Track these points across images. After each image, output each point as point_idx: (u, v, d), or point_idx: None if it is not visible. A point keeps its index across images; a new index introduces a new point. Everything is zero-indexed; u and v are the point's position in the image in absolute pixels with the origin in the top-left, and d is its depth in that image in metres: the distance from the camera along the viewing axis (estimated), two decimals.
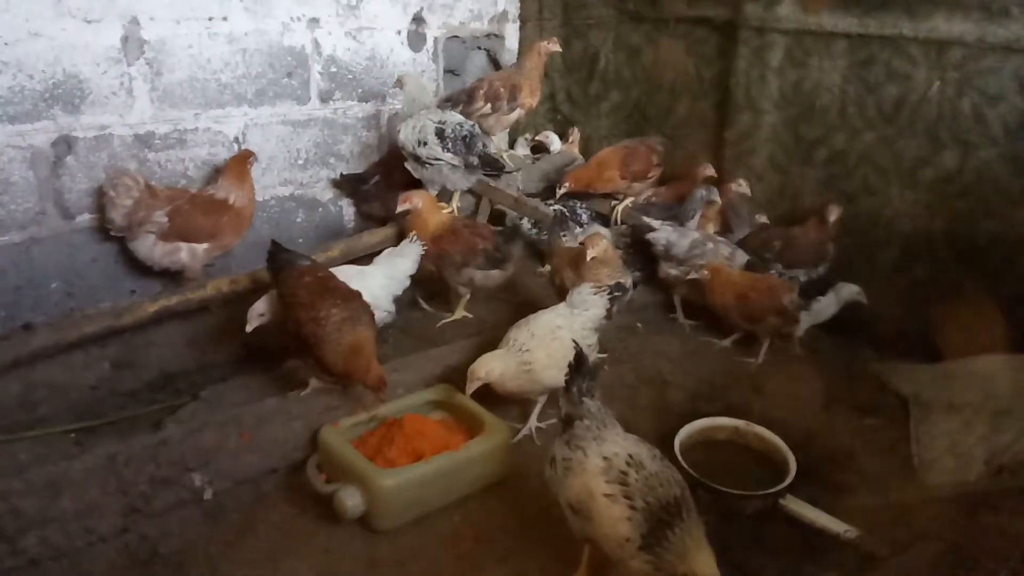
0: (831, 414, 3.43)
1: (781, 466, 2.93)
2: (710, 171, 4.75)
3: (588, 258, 3.44)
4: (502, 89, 4.41)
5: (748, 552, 2.60)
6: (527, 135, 5.48)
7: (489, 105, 4.36)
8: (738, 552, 2.59)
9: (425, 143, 3.99)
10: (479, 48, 5.35)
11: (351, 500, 2.64)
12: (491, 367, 2.98)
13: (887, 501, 2.85)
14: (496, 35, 5.34)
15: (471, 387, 2.97)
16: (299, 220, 4.57)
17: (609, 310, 3.29)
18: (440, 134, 3.98)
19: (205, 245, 3.74)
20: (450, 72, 5.19)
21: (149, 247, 3.67)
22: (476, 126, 4.09)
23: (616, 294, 3.33)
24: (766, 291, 3.76)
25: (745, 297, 3.77)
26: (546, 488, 2.78)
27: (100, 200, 3.65)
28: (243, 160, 3.84)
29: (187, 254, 3.71)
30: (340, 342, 2.94)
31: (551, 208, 4.40)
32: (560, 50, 4.54)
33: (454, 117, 4.06)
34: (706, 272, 3.84)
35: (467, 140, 4.01)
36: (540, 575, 2.54)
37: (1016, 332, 3.46)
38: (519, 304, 4.13)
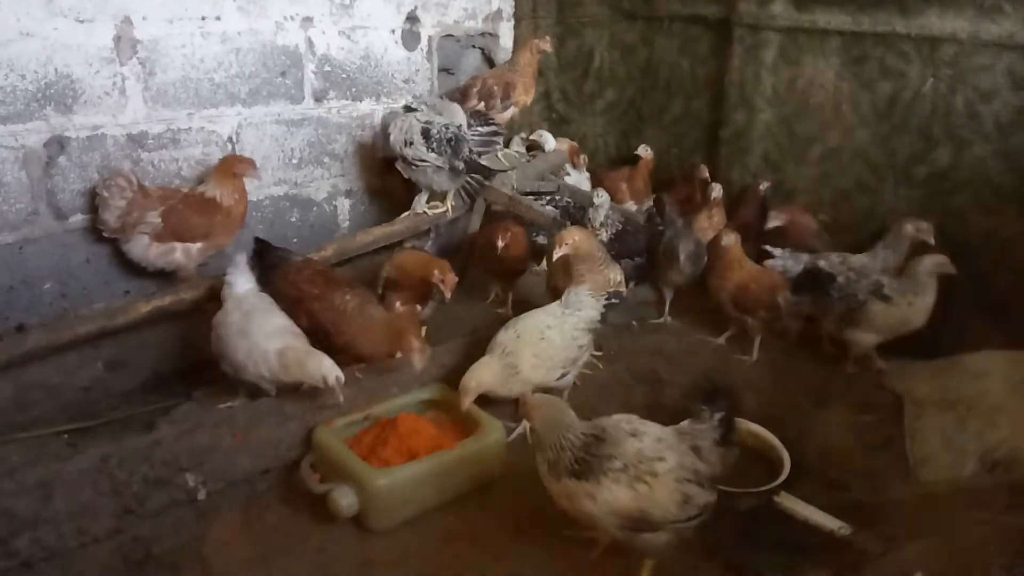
0: (825, 411, 3.43)
1: (775, 463, 2.94)
2: (705, 173, 4.77)
3: (554, 257, 3.40)
4: (495, 87, 4.41)
5: (742, 549, 2.61)
6: (523, 134, 5.47)
7: (483, 103, 4.35)
8: (732, 549, 2.60)
9: (411, 143, 3.97)
10: (474, 47, 5.34)
11: (345, 500, 2.64)
12: (481, 379, 2.99)
13: (881, 498, 2.85)
14: (491, 33, 5.32)
15: (467, 401, 2.97)
16: (293, 220, 4.55)
17: (603, 315, 3.30)
18: (426, 134, 3.94)
19: (199, 244, 3.73)
20: (444, 71, 5.18)
21: (143, 248, 3.65)
22: (463, 128, 4.02)
23: (613, 301, 3.33)
24: (766, 286, 3.77)
25: (745, 287, 3.78)
26: (541, 486, 2.79)
27: (93, 201, 3.64)
28: (230, 164, 3.81)
29: (182, 254, 3.69)
30: (371, 326, 3.09)
31: (550, 208, 4.38)
32: (550, 49, 4.55)
33: (441, 118, 4.02)
34: (734, 237, 3.82)
35: (452, 143, 3.95)
36: (536, 573, 2.54)
37: (1009, 327, 3.47)
38: (513, 303, 4.13)
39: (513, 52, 5.14)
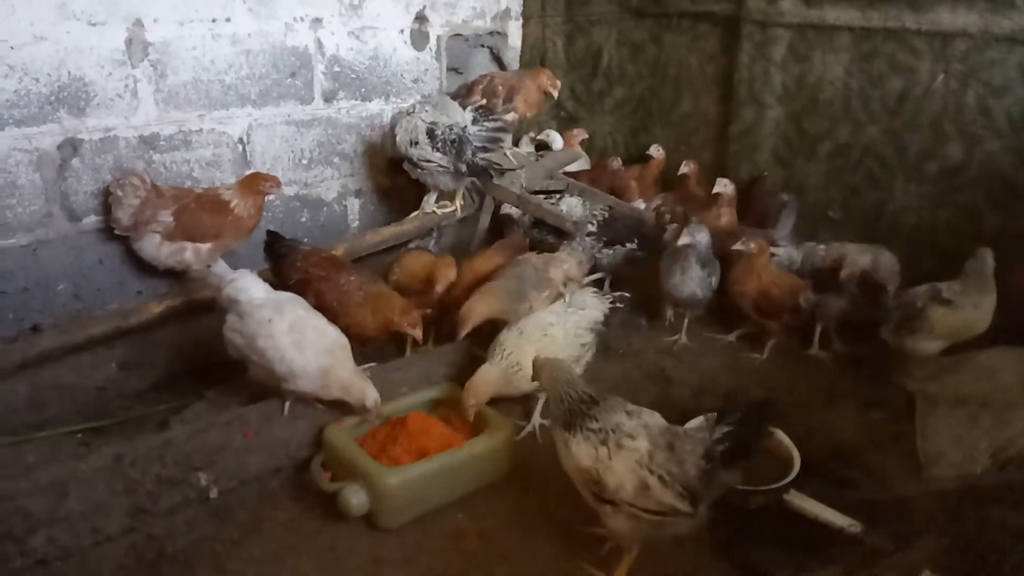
0: (836, 409, 3.42)
1: (785, 461, 2.93)
2: (686, 168, 4.75)
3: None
4: (500, 87, 4.45)
5: (753, 547, 2.60)
6: (531, 133, 5.48)
7: (485, 100, 4.38)
8: (743, 547, 2.60)
9: (416, 143, 4.00)
10: (482, 46, 5.35)
11: (356, 498, 2.65)
12: (483, 392, 3.00)
13: (892, 495, 2.84)
14: (499, 33, 5.33)
15: (471, 414, 2.99)
16: (304, 220, 4.58)
17: (607, 316, 3.30)
18: (431, 134, 3.97)
19: (209, 245, 3.76)
20: (453, 70, 5.20)
21: (155, 247, 3.69)
22: (467, 129, 4.03)
23: (619, 305, 3.34)
24: (788, 289, 3.72)
25: (767, 293, 3.74)
26: (550, 484, 2.80)
27: (106, 200, 3.68)
28: (256, 181, 3.84)
29: (192, 254, 3.72)
30: (364, 301, 3.25)
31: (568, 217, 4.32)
32: (556, 92, 4.65)
33: (446, 119, 4.03)
34: (753, 246, 3.69)
35: (456, 144, 3.98)
36: (544, 571, 2.54)
37: (1022, 324, 3.44)
38: None
39: (527, 67, 5.23)
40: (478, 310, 3.30)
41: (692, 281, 3.81)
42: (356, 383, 2.91)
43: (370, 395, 2.91)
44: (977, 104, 3.78)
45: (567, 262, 3.70)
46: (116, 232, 3.68)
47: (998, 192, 3.79)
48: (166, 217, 3.64)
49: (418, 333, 3.26)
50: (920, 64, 3.92)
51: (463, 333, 3.27)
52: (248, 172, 4.05)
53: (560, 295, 3.46)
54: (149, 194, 3.64)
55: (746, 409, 2.27)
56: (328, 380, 2.91)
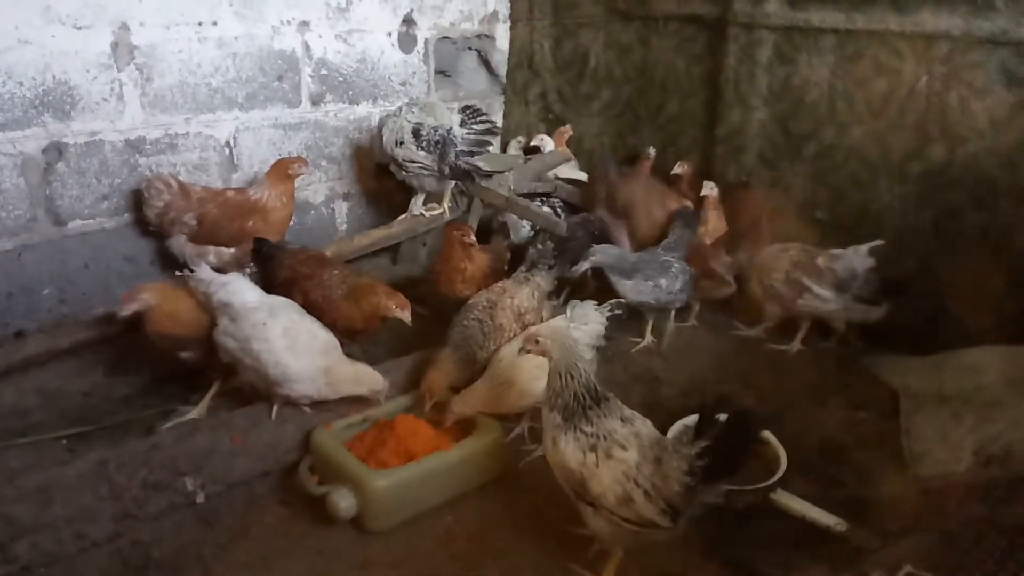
0: (822, 408, 3.44)
1: (772, 460, 2.94)
2: (679, 169, 4.76)
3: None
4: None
5: (739, 547, 2.61)
6: (520, 137, 5.49)
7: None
8: (729, 547, 2.61)
9: (402, 143, 4.01)
10: (470, 49, 5.36)
11: (344, 501, 2.65)
12: (469, 403, 3.01)
13: (878, 493, 2.86)
14: (487, 35, 5.34)
15: (449, 420, 3.00)
16: (292, 223, 4.55)
17: (607, 328, 3.21)
18: (416, 134, 3.99)
19: (232, 249, 3.79)
20: (441, 73, 5.20)
21: (181, 246, 3.76)
22: (451, 131, 4.03)
23: (617, 312, 3.26)
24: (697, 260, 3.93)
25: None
26: (538, 486, 2.80)
27: (138, 199, 3.78)
28: (283, 166, 3.86)
29: (215, 256, 3.77)
30: (348, 294, 3.25)
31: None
32: None
33: (432, 121, 4.04)
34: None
35: (440, 145, 4.00)
36: (533, 573, 2.55)
37: (1005, 323, 3.48)
38: None
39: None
40: (439, 385, 3.12)
41: (631, 292, 3.74)
42: (364, 372, 3.01)
43: (379, 377, 3.01)
44: (959, 105, 3.81)
45: (517, 296, 3.41)
46: (151, 228, 3.80)
47: (981, 192, 3.82)
48: (191, 220, 3.70)
49: (407, 315, 3.19)
50: (903, 66, 3.95)
51: (427, 408, 3.08)
52: (275, 160, 4.02)
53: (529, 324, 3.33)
54: (175, 196, 3.70)
55: (725, 422, 2.20)
56: (333, 378, 2.97)
